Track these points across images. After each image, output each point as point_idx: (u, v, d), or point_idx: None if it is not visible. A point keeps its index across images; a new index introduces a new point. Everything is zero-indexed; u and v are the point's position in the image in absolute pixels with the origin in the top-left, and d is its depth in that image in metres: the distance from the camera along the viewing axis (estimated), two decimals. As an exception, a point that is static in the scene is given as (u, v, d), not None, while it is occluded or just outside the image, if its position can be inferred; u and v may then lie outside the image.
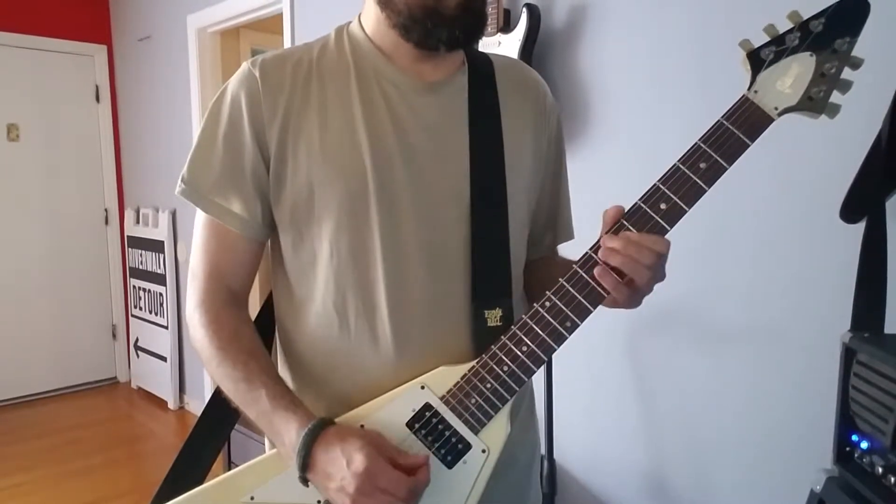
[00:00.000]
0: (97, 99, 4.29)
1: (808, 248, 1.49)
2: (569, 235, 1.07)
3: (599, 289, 0.79)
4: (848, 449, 1.03)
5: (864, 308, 1.13)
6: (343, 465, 0.75)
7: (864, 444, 1.00)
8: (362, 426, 0.83)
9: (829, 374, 1.07)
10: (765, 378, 1.59)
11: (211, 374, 0.88)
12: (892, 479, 0.93)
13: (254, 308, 0.99)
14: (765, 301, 1.58)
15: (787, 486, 1.54)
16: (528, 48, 1.89)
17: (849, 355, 1.02)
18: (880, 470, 0.95)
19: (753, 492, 1.63)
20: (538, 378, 0.84)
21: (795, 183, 1.51)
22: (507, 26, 1.94)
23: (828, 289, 1.46)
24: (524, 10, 1.88)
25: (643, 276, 0.78)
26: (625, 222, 0.79)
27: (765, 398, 1.59)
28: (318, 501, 0.82)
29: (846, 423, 1.03)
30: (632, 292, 0.80)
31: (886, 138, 1.15)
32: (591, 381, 1.96)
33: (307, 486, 0.80)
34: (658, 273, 0.80)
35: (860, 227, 1.16)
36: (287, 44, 2.93)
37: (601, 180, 1.83)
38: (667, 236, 0.79)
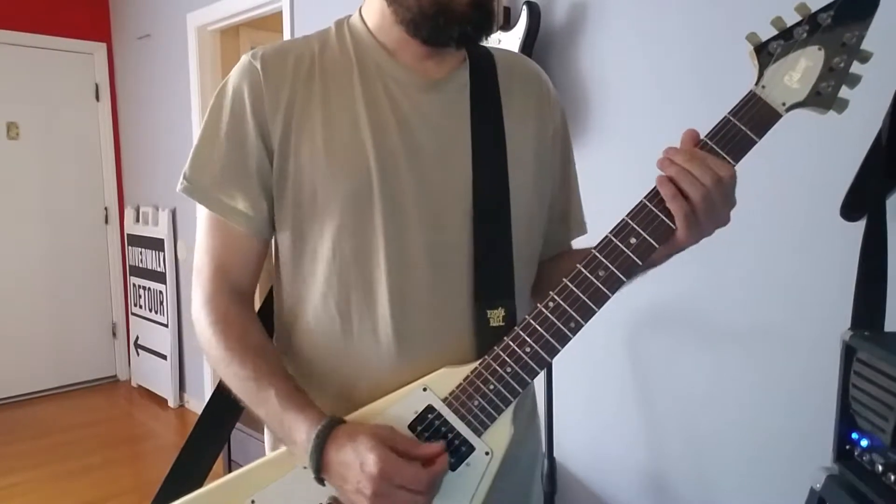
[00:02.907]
0: (97, 97, 4.28)
1: (808, 247, 1.49)
2: (581, 230, 1.06)
3: (604, 288, 0.78)
4: (848, 447, 1.03)
5: (865, 306, 1.13)
6: (356, 466, 0.74)
7: (864, 443, 1.00)
8: None
9: (830, 372, 1.07)
10: (765, 376, 1.59)
11: (220, 374, 0.86)
12: (892, 477, 0.93)
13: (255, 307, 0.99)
14: (765, 299, 1.58)
15: (787, 484, 1.55)
16: (528, 46, 1.89)
17: (849, 353, 1.02)
18: (880, 468, 0.95)
19: (754, 490, 1.63)
20: (539, 376, 0.84)
21: (795, 181, 1.50)
22: (507, 24, 1.94)
23: (828, 287, 1.46)
24: (524, 8, 1.88)
25: (698, 193, 0.74)
26: (630, 221, 0.78)
27: (765, 396, 1.59)
28: None
29: (846, 421, 1.03)
30: (690, 214, 0.76)
31: (886, 137, 1.15)
32: (592, 380, 1.97)
33: (323, 485, 0.79)
34: (720, 206, 0.76)
35: (860, 225, 1.16)
36: (287, 42, 2.92)
37: (601, 178, 1.82)
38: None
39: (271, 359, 0.86)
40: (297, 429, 0.79)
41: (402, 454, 0.76)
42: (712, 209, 0.76)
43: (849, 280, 1.14)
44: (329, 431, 0.77)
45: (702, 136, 0.78)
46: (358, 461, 0.74)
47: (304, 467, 0.78)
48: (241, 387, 0.84)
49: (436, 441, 0.81)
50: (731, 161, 0.76)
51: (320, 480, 0.78)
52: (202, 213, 0.90)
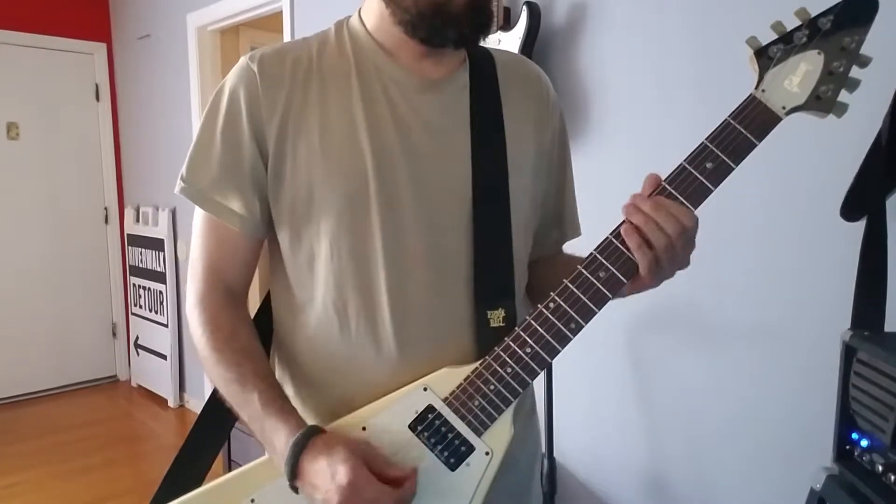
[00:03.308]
0: (97, 97, 4.28)
1: (808, 247, 1.49)
2: (575, 233, 1.06)
3: (605, 290, 0.79)
4: (848, 447, 1.03)
5: (865, 306, 1.13)
6: (328, 476, 0.74)
7: (864, 443, 1.00)
8: (364, 428, 0.82)
9: (830, 372, 1.07)
10: (765, 377, 1.59)
11: (207, 374, 0.87)
12: (892, 478, 0.93)
13: (253, 308, 0.99)
14: (765, 300, 1.58)
15: (787, 485, 1.55)
16: (529, 47, 1.89)
17: (849, 354, 1.02)
18: (880, 468, 0.95)
19: (753, 490, 1.63)
20: (538, 376, 0.84)
21: (795, 181, 1.50)
22: (507, 25, 1.94)
23: (828, 287, 1.46)
24: (524, 8, 1.88)
25: (661, 242, 0.76)
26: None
27: (765, 397, 1.59)
28: None
29: (846, 421, 1.03)
30: (653, 263, 0.78)
31: (886, 137, 1.15)
32: (592, 380, 1.96)
33: (297, 493, 0.79)
34: (681, 252, 0.78)
35: (860, 225, 1.16)
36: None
37: (601, 179, 1.82)
38: None
39: (257, 362, 0.86)
40: (276, 435, 0.80)
41: (374, 471, 0.76)
42: (675, 257, 0.78)
43: (849, 280, 1.14)
44: (307, 441, 0.78)
45: (662, 181, 0.79)
46: (330, 471, 0.75)
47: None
48: (227, 388, 0.85)
49: (432, 442, 0.81)
50: (711, 185, 0.77)
51: (294, 488, 0.79)
52: (198, 214, 0.91)
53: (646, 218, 0.76)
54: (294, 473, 0.77)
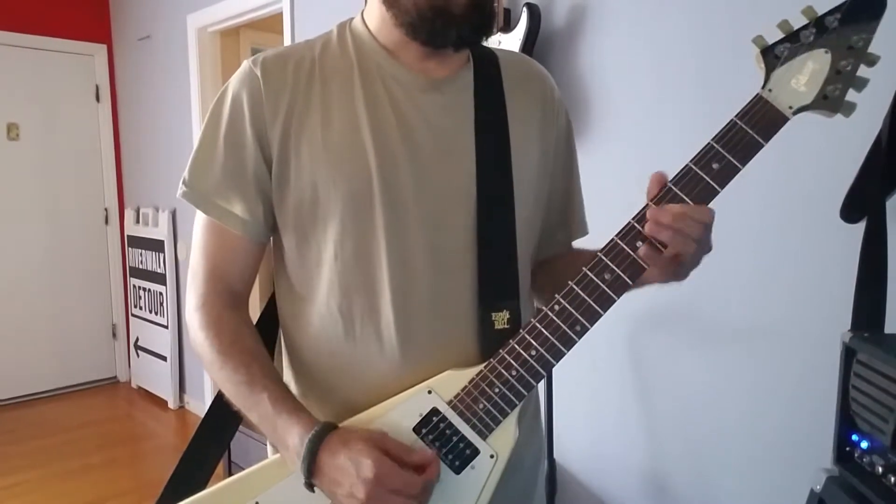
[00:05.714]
0: (97, 98, 4.28)
1: (808, 248, 1.50)
2: (583, 231, 1.06)
3: (610, 292, 0.78)
4: (848, 448, 1.03)
5: (865, 308, 1.13)
6: (351, 471, 0.74)
7: (864, 444, 1.00)
8: None
9: (830, 373, 1.07)
10: (765, 378, 1.59)
11: (212, 378, 0.87)
12: (892, 479, 0.93)
13: (254, 309, 0.99)
14: (765, 301, 1.58)
15: (787, 486, 1.55)
16: (529, 48, 1.89)
17: (849, 355, 1.02)
18: (880, 469, 0.95)
19: (753, 491, 1.63)
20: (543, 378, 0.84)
21: (796, 182, 1.51)
22: (507, 26, 1.94)
23: (828, 288, 1.46)
24: (524, 9, 1.88)
25: (690, 248, 0.76)
26: (635, 224, 0.78)
27: (765, 398, 1.59)
28: None
29: (846, 422, 1.03)
30: (678, 268, 0.78)
31: (886, 138, 1.15)
32: (592, 381, 1.97)
33: (313, 491, 0.79)
34: (705, 245, 0.78)
35: (860, 226, 1.17)
36: (287, 43, 2.92)
37: (602, 180, 1.83)
38: None
39: (264, 363, 0.86)
40: (289, 433, 0.79)
41: (395, 460, 0.76)
42: (702, 254, 0.80)
43: (849, 281, 1.15)
44: (322, 437, 0.77)
45: (668, 181, 0.78)
46: (353, 465, 0.74)
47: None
48: (234, 390, 0.84)
49: (437, 445, 0.81)
50: (718, 186, 0.77)
51: (310, 486, 0.78)
52: (199, 218, 0.90)
53: (673, 232, 0.75)
54: (311, 470, 0.77)
